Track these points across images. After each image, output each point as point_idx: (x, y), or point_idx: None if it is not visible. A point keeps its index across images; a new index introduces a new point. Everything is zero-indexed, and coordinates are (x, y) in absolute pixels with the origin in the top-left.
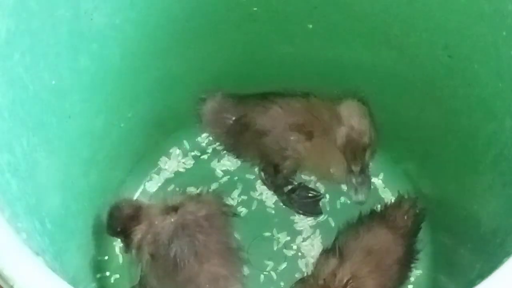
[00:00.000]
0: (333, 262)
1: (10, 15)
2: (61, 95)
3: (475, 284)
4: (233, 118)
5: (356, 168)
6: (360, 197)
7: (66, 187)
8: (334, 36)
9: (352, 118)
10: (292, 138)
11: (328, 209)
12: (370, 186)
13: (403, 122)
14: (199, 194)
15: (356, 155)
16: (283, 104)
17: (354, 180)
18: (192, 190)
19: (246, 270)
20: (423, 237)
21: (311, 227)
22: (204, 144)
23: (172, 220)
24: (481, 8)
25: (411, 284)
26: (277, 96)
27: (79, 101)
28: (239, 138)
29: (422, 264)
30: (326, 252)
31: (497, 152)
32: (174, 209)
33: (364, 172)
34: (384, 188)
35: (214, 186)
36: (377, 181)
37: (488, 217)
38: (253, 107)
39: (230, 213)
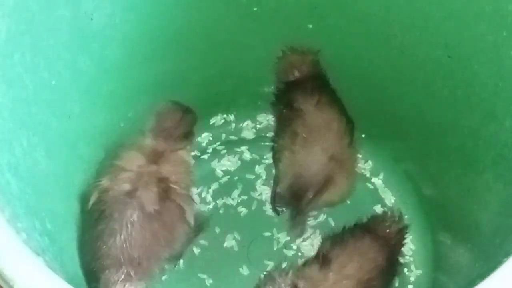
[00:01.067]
0: (315, 268)
1: (10, 15)
2: (61, 95)
3: (475, 284)
4: (293, 78)
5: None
6: (293, 233)
7: (66, 187)
8: (334, 36)
9: (311, 166)
10: (296, 132)
11: (327, 209)
12: (304, 230)
13: (403, 122)
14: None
15: (293, 199)
16: (321, 104)
17: (291, 218)
18: (192, 190)
19: (246, 270)
20: (423, 236)
21: (311, 227)
22: (204, 144)
23: (141, 183)
24: (481, 8)
25: (411, 284)
26: (330, 98)
27: (79, 101)
28: (284, 94)
29: (422, 264)
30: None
31: (497, 152)
32: (158, 175)
33: (300, 216)
34: (384, 188)
35: (214, 186)
36: (377, 181)
37: (488, 217)
38: (309, 84)
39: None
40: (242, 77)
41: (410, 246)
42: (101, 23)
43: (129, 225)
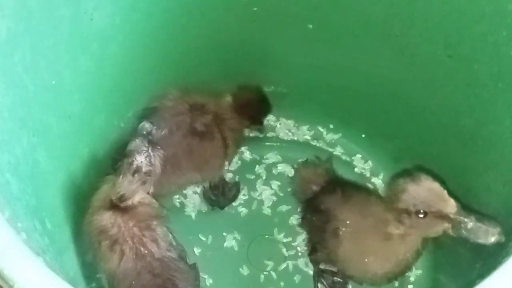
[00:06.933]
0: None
1: (10, 15)
2: (61, 95)
3: (475, 284)
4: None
5: (453, 212)
6: (490, 238)
7: (66, 187)
8: (334, 36)
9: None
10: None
11: None
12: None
13: (403, 122)
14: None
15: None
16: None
17: (467, 226)
18: (192, 190)
19: (246, 270)
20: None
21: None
22: None
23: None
24: (481, 8)
25: (411, 284)
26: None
27: (79, 101)
28: (309, 206)
29: (422, 264)
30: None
31: (497, 152)
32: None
33: (466, 213)
34: (384, 188)
35: None
36: (377, 181)
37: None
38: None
39: None
40: (242, 77)
41: None
42: (101, 23)
43: (174, 128)
